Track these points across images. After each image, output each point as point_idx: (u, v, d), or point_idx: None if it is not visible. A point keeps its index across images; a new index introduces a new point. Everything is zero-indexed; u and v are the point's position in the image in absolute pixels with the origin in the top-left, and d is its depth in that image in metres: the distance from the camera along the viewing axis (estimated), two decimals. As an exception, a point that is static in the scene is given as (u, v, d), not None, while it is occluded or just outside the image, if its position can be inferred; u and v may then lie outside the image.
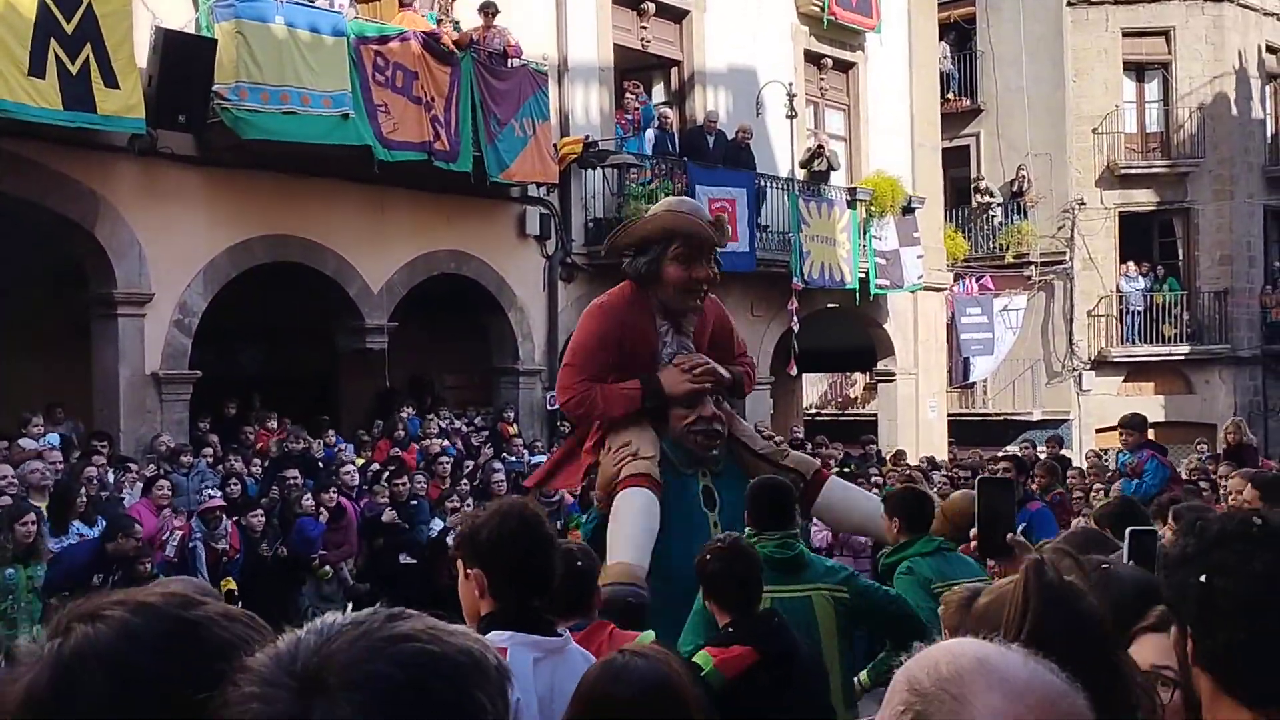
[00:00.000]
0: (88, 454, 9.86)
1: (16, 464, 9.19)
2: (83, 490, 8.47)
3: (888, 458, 15.23)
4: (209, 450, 10.72)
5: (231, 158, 11.26)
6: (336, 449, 12.03)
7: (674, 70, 16.87)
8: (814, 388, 25.42)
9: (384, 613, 1.02)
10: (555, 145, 13.99)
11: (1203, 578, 1.54)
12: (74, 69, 9.35)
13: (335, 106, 11.01)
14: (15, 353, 12.18)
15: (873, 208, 17.83)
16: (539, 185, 14.06)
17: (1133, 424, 9.25)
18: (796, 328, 16.53)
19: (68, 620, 1.12)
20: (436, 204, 13.26)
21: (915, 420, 19.70)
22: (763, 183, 16.25)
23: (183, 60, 10.01)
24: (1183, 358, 22.79)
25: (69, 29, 9.38)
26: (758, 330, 17.22)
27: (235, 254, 11.69)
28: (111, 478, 9.58)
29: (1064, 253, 22.91)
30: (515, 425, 13.74)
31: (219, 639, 1.12)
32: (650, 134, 15.38)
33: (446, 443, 12.20)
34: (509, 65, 13.16)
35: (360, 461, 11.38)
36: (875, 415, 20.62)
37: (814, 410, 24.69)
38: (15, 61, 9.05)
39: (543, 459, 12.24)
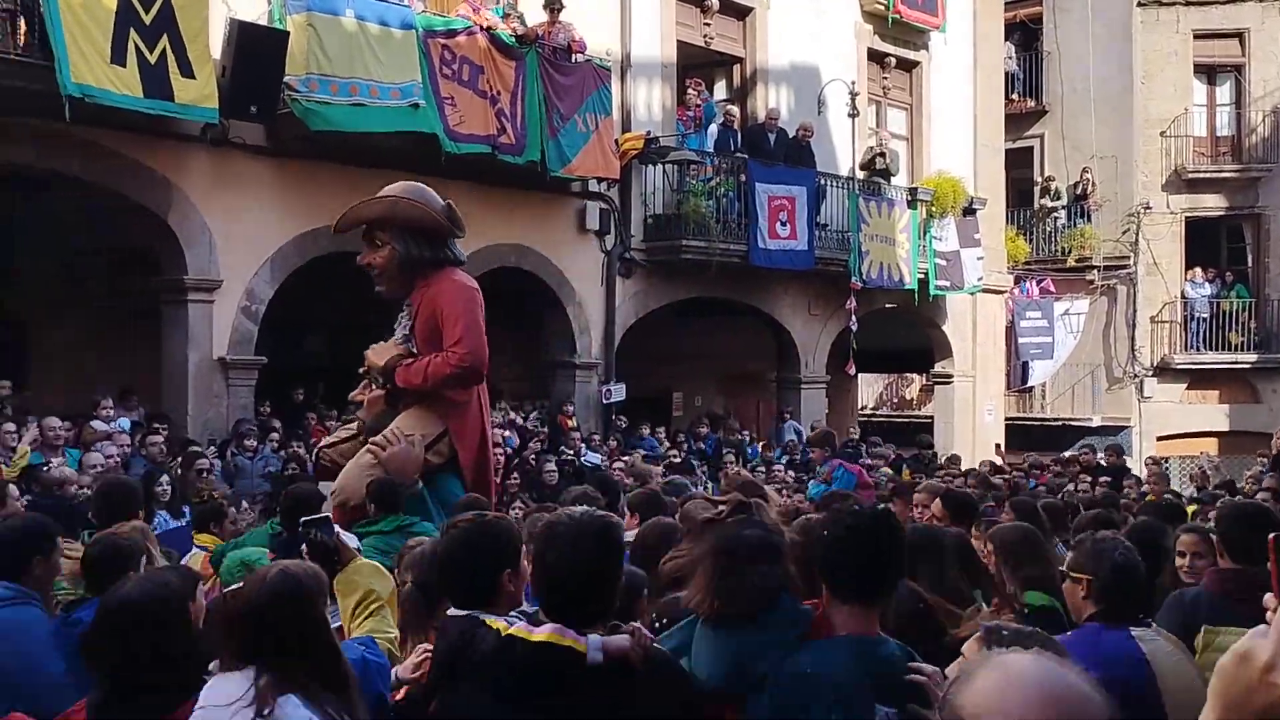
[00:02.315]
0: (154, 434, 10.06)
1: (88, 445, 9.43)
2: (165, 478, 8.44)
3: (943, 460, 15.12)
4: (275, 435, 10.90)
5: (300, 148, 11.44)
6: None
7: (736, 67, 16.86)
8: (870, 388, 25.26)
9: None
10: (617, 141, 14.05)
11: (825, 531, 2.76)
12: (152, 58, 9.56)
13: (404, 98, 11.16)
14: (87, 335, 12.49)
15: (933, 208, 17.70)
16: (600, 180, 14.13)
17: (820, 442, 10.15)
18: (855, 327, 16.45)
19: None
20: (497, 197, 13.36)
21: (972, 423, 19.51)
22: (823, 181, 16.19)
23: (255, 52, 10.20)
24: (1250, 366, 22.33)
25: (147, 20, 9.59)
26: (815, 329, 17.17)
27: (302, 243, 11.87)
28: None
29: (1128, 257, 22.55)
30: (574, 419, 13.83)
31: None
32: (713, 130, 15.39)
33: (508, 434, 12.29)
34: (573, 61, 13.24)
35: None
36: (931, 417, 20.45)
37: (869, 411, 24.54)
38: (98, 49, 9.28)
39: (597, 457, 12.36)
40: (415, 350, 6.03)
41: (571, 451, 12.55)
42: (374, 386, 6.11)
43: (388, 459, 5.62)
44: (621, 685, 2.38)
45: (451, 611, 2.77)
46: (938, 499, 5.76)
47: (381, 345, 6.17)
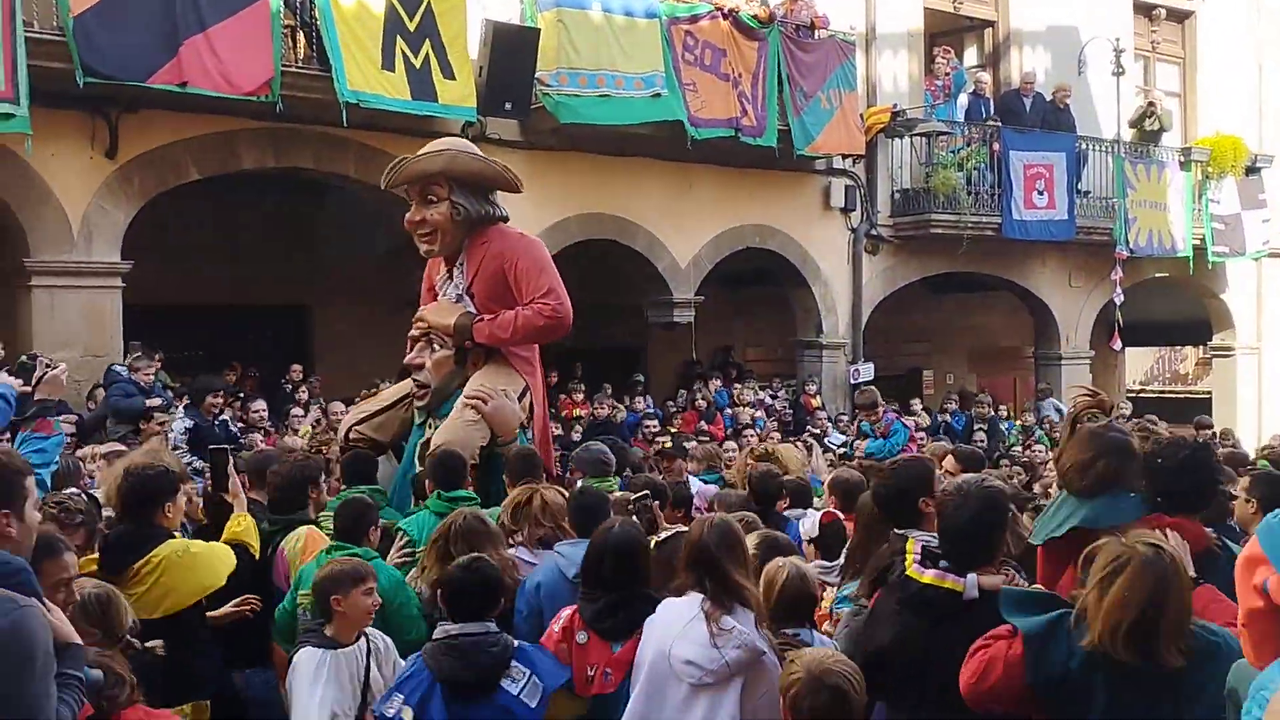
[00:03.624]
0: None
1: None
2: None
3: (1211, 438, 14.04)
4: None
5: (552, 141, 11.85)
6: (642, 414, 12.44)
7: (987, 31, 16.17)
8: (1139, 363, 23.77)
9: None
10: (862, 115, 13.79)
11: (1160, 460, 3.36)
12: (417, 62, 10.19)
13: (647, 88, 11.37)
14: (361, 324, 13.43)
15: (1210, 168, 16.43)
16: (845, 157, 13.92)
17: (868, 405, 11.09)
18: (1120, 299, 15.53)
19: None
20: (741, 179, 13.41)
21: (1257, 399, 18.03)
22: (1084, 146, 15.33)
23: (509, 50, 10.63)
24: None
25: (411, 26, 10.20)
26: (1077, 301, 16.32)
27: (554, 233, 12.30)
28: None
29: None
30: (819, 398, 13.73)
31: None
32: (963, 99, 14.84)
33: (759, 414, 12.34)
34: (815, 37, 13.08)
35: (672, 430, 11.73)
36: (1209, 393, 19.05)
37: (1139, 387, 23.09)
38: (370, 58, 9.97)
39: (842, 438, 12.21)
40: (473, 310, 5.75)
41: (818, 431, 12.46)
42: (435, 348, 5.80)
43: (491, 413, 5.36)
44: (995, 613, 2.99)
45: (895, 531, 3.62)
46: (950, 455, 6.39)
47: (437, 306, 5.90)
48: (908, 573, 3.24)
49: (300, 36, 10.19)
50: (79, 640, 2.62)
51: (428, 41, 10.27)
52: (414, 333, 5.88)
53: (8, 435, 4.35)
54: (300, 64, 10.09)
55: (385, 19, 10.08)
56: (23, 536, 2.75)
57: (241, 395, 10.32)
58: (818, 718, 2.84)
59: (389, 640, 3.93)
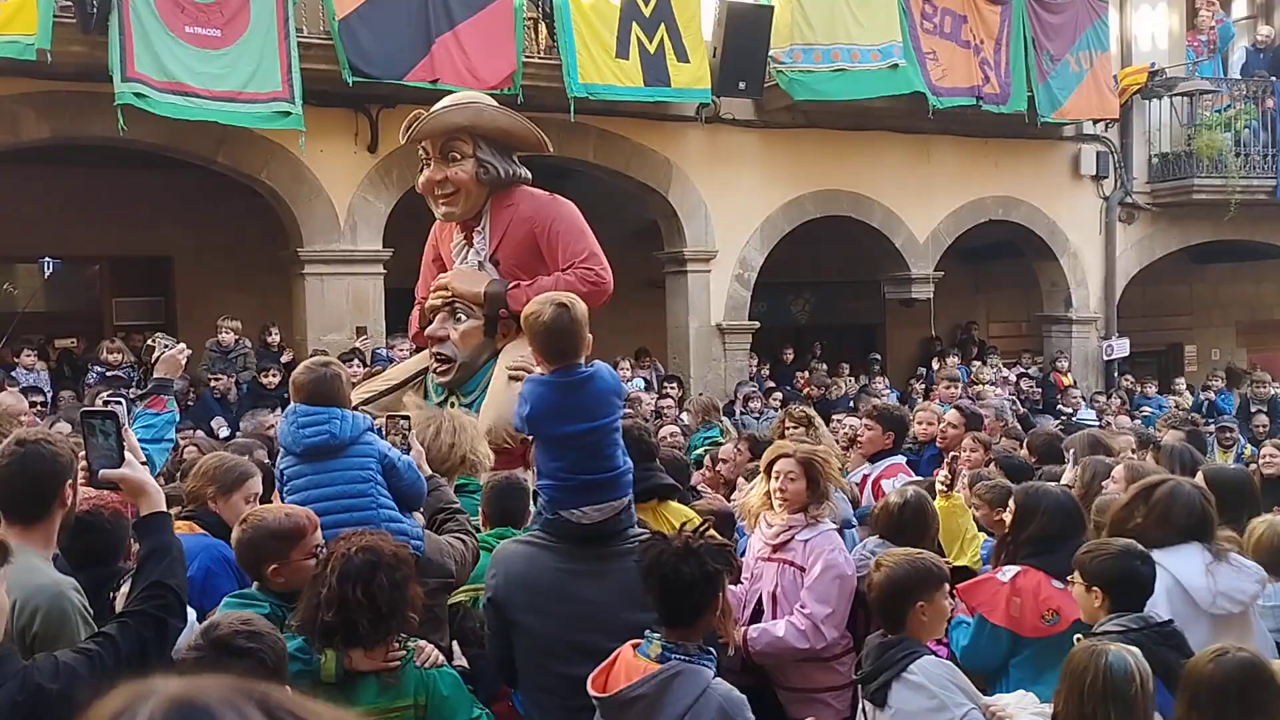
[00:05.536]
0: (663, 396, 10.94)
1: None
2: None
3: None
4: (778, 395, 11.43)
5: (785, 118, 11.82)
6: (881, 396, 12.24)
7: (1260, -23, 14.93)
8: None
9: None
10: (1115, 77, 13.05)
11: None
12: (651, 48, 10.38)
13: (883, 59, 11.15)
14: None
15: None
16: (1096, 122, 13.21)
17: (951, 377, 9.65)
18: None
19: None
20: (983, 149, 12.95)
21: None
22: (1374, 98, 13.93)
23: (743, 30, 10.66)
24: None
25: (647, 12, 10.40)
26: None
27: (789, 210, 12.28)
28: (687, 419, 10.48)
29: None
30: (1069, 375, 13.12)
31: None
32: (1240, 53, 13.77)
33: (1000, 391, 11.92)
34: (1064, -3, 12.46)
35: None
36: None
37: None
38: (605, 47, 10.24)
39: (1091, 414, 11.61)
40: (498, 278, 5.29)
41: (1070, 410, 11.92)
42: (460, 318, 5.29)
43: None
44: None
45: None
46: (954, 409, 6.56)
47: (460, 272, 5.37)
48: None
49: (542, 27, 10.55)
50: None
51: (663, 26, 10.44)
52: (435, 302, 5.40)
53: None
54: (541, 54, 10.45)
55: (621, 6, 10.31)
56: None
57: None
58: None
59: None
